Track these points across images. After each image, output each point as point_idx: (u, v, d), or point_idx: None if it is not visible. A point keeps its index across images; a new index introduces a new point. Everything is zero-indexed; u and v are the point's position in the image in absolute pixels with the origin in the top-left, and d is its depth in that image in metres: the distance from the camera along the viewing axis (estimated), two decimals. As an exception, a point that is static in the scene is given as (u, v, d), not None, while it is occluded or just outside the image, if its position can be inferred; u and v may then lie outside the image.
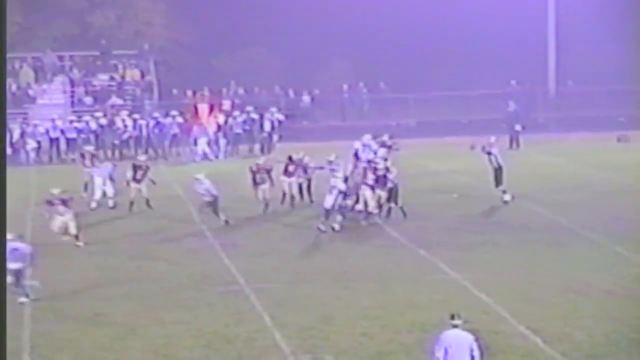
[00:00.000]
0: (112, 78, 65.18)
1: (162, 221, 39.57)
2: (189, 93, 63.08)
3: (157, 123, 58.00)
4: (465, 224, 38.09)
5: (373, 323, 26.44)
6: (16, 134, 56.66)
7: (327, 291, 29.70)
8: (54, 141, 57.11)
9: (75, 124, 57.94)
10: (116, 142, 57.11)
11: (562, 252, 34.03)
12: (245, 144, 57.97)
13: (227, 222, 39.02)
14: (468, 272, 31.41)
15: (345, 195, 37.43)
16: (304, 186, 42.25)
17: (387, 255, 33.91)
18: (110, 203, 42.17)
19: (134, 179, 41.18)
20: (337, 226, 37.04)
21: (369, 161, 40.25)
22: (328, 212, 37.07)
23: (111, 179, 42.43)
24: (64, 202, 36.02)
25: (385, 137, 44.09)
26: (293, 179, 41.78)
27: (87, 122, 57.80)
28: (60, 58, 65.85)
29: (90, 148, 46.70)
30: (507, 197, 41.05)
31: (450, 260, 33.03)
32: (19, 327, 26.69)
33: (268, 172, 40.81)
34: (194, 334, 26.24)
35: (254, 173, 40.77)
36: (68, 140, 57.23)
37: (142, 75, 65.44)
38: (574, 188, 44.47)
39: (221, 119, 58.34)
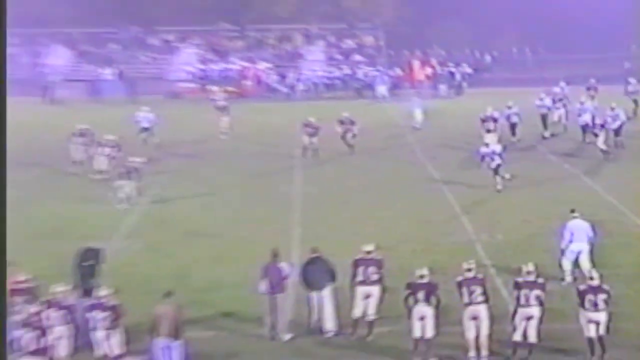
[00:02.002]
0: (355, 42, 65.57)
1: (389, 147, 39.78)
2: (406, 53, 63.30)
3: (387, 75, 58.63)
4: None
5: (531, 214, 26.46)
6: (290, 79, 58.14)
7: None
8: (316, 84, 58.15)
9: (329, 73, 59.25)
10: (357, 86, 57.75)
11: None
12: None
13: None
14: (600, 179, 30.95)
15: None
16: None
17: (538, 168, 33.24)
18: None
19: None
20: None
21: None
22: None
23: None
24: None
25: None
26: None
27: (331, 72, 59.76)
28: (322, 29, 66.65)
29: None
30: None
31: (586, 170, 32.58)
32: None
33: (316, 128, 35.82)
34: (405, 219, 26.64)
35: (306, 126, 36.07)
36: (326, 84, 58.29)
37: (375, 40, 65.69)
38: None
39: (429, 71, 58.79)
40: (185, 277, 21.31)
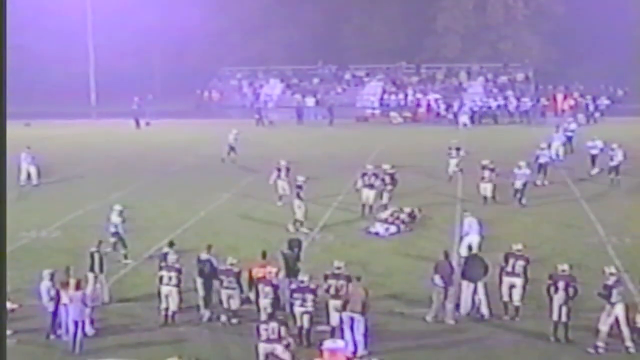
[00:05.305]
0: (508, 78, 64.14)
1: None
2: (550, 87, 61.64)
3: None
4: None
5: None
6: (455, 107, 56.94)
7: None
8: (475, 112, 56.61)
9: (486, 104, 57.95)
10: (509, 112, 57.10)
11: None
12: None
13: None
14: None
15: None
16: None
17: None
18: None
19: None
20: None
21: None
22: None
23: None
24: None
25: None
26: None
27: (488, 103, 58.00)
28: (481, 67, 65.57)
29: None
30: None
31: None
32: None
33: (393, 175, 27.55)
34: (547, 223, 25.76)
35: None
36: (484, 112, 56.69)
37: (525, 77, 64.17)
38: None
39: (571, 102, 57.44)
40: (366, 264, 21.29)
